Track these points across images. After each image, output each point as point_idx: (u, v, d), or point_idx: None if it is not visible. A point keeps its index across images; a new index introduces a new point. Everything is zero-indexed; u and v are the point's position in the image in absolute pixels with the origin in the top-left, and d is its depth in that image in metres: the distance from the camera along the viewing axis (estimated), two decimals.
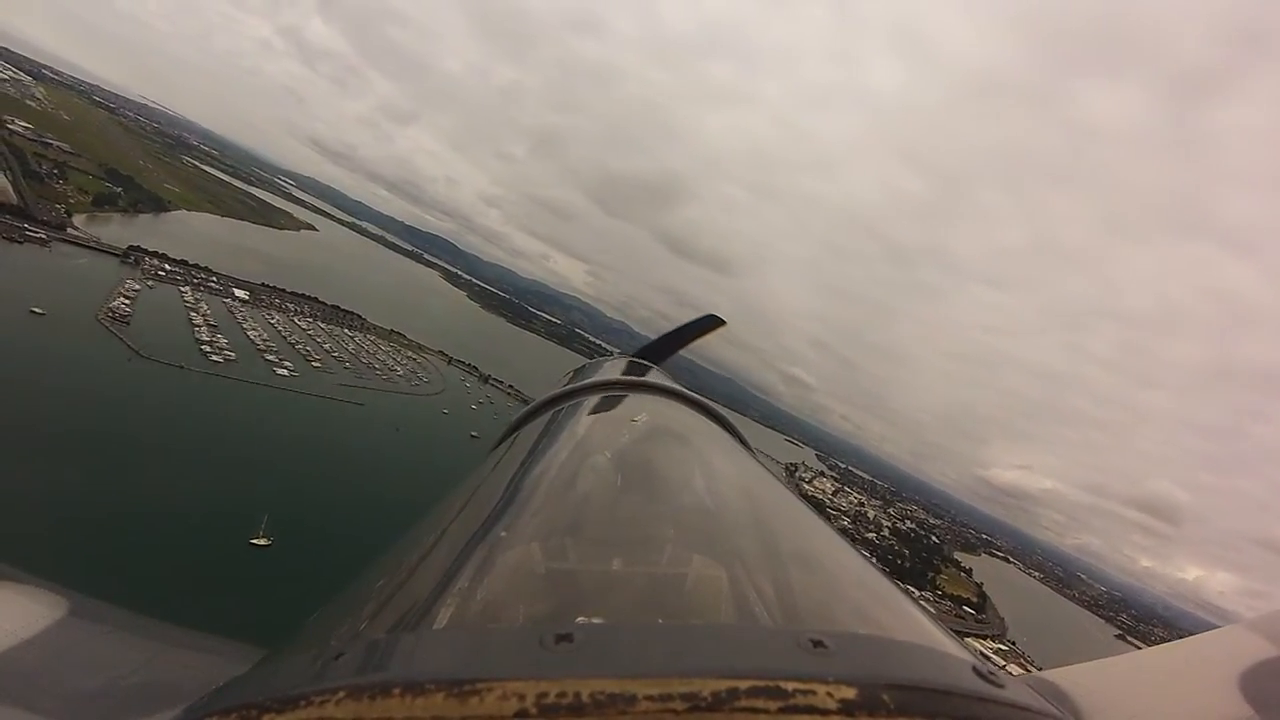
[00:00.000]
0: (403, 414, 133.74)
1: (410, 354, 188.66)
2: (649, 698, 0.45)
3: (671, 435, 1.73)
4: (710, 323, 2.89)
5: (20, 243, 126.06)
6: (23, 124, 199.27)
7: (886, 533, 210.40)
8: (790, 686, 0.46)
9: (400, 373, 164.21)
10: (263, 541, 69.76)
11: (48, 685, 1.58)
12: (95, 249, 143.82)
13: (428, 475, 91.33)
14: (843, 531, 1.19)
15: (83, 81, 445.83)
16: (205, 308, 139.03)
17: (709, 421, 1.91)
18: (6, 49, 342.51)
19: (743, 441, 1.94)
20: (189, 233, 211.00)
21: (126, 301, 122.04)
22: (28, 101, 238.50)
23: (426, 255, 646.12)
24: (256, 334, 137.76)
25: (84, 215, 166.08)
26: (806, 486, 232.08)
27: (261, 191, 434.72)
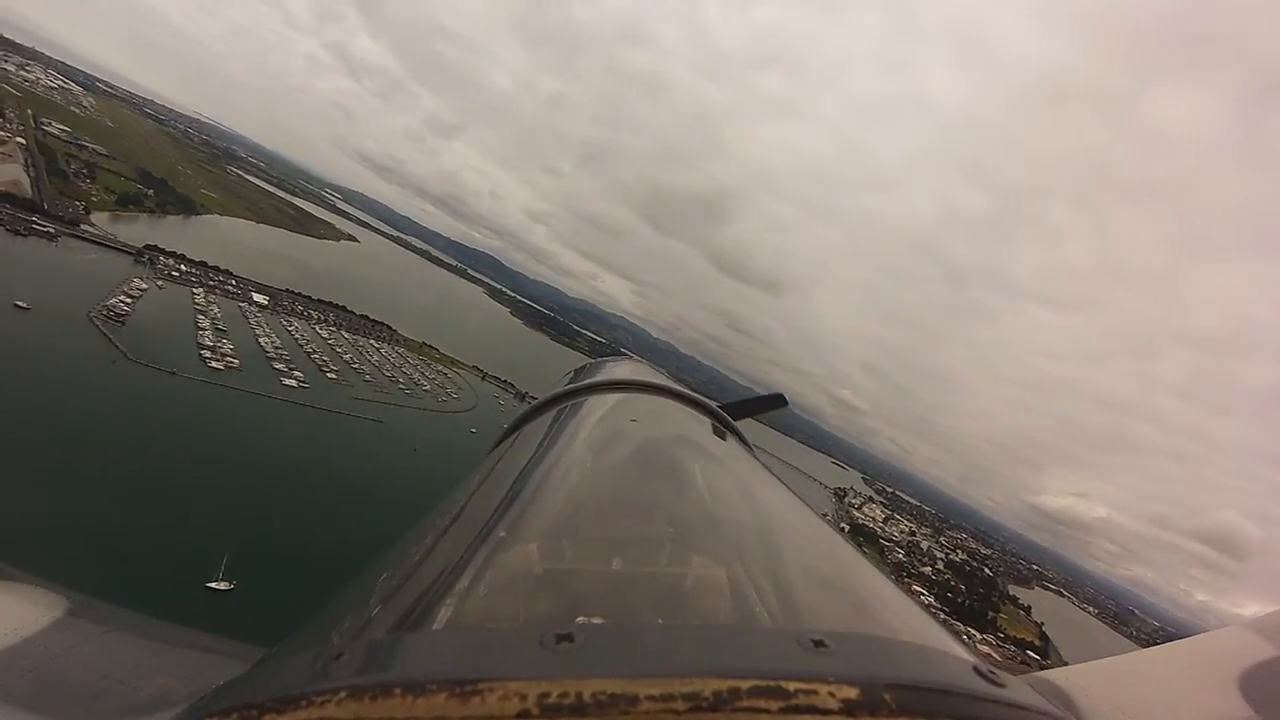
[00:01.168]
0: (424, 432, 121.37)
1: (441, 368, 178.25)
2: (650, 698, 0.46)
3: (671, 435, 1.76)
4: (777, 402, 3.11)
5: (25, 236, 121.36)
6: (59, 126, 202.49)
7: (941, 566, 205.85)
8: (792, 686, 0.47)
9: (427, 388, 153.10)
10: (222, 585, 60.72)
11: (48, 685, 1.61)
12: (109, 246, 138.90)
13: None
14: (846, 532, 1.26)
15: (136, 95, 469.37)
16: (216, 311, 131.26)
17: (709, 421, 1.93)
18: (63, 63, 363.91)
19: (743, 441, 1.98)
20: (217, 236, 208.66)
21: (127, 300, 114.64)
22: (72, 108, 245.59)
23: (471, 271, 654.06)
24: (269, 341, 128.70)
25: (106, 214, 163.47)
26: (856, 513, 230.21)
27: (305, 203, 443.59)
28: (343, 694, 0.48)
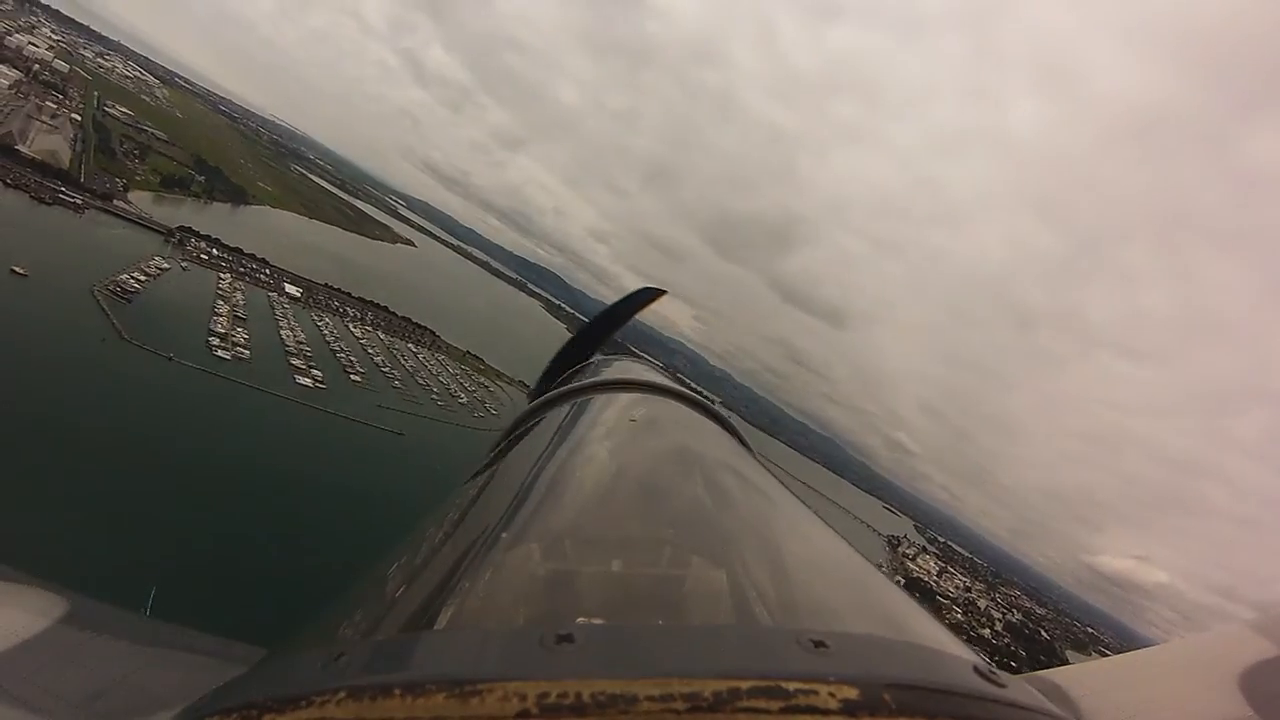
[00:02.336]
0: (451, 450, 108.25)
1: (483, 380, 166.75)
2: (650, 698, 0.47)
3: (671, 434, 1.79)
4: (650, 295, 3.02)
5: (49, 204, 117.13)
6: (122, 109, 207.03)
7: (1000, 628, 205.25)
8: (792, 686, 0.48)
9: (463, 400, 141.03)
10: None
11: (48, 685, 1.66)
12: (139, 223, 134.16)
13: None
14: (841, 531, 1.26)
15: (214, 93, 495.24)
16: (239, 298, 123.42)
17: (709, 421, 1.97)
18: (146, 58, 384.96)
19: (743, 441, 2.00)
20: (262, 225, 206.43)
21: (141, 278, 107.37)
22: (142, 96, 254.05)
23: (531, 285, 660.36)
24: (291, 334, 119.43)
25: (148, 194, 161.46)
26: (910, 565, 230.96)
27: (367, 206, 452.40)
28: (342, 694, 0.49)
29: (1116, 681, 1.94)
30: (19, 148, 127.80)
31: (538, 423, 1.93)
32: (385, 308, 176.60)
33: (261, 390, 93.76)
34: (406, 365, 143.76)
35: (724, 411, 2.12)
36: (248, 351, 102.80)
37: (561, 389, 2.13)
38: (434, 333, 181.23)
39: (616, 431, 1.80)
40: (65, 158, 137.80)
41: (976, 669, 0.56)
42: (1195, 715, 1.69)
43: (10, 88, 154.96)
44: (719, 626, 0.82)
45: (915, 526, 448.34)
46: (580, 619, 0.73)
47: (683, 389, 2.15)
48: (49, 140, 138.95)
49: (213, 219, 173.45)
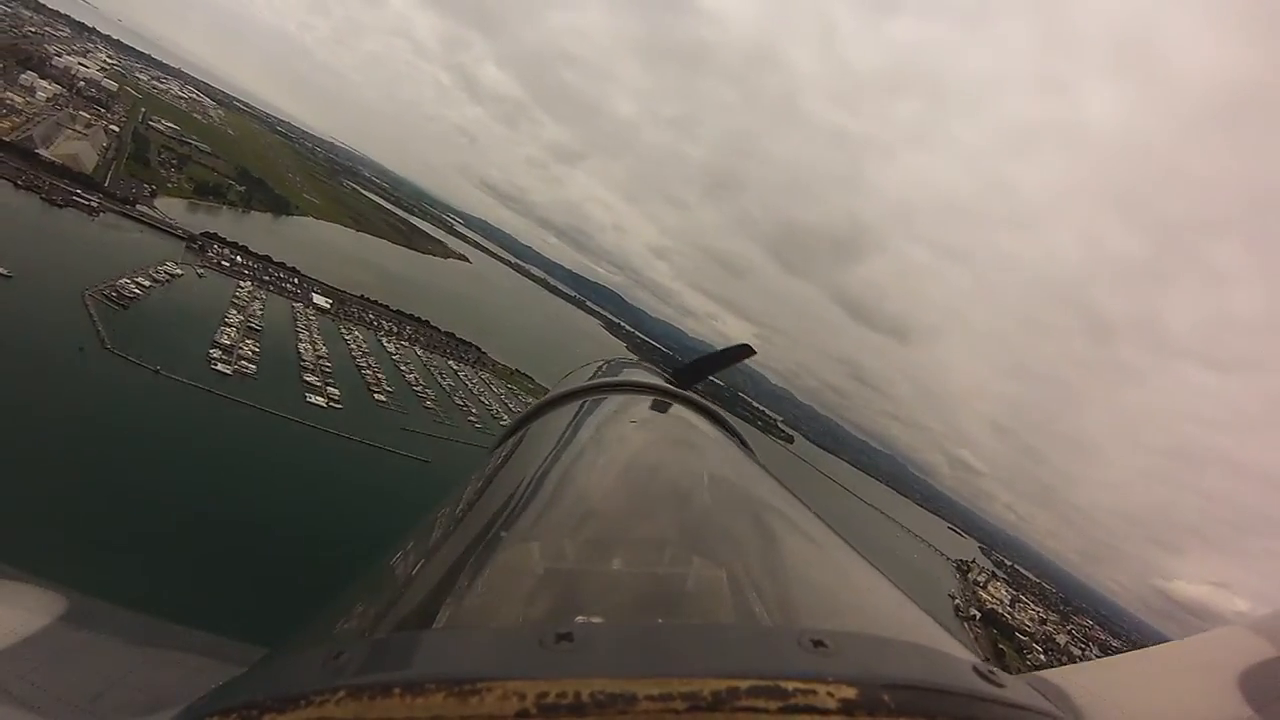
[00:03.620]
0: None
1: (532, 400, 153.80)
2: (649, 697, 0.48)
3: (671, 436, 1.86)
4: (743, 352, 3.10)
5: (61, 206, 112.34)
6: (168, 124, 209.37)
7: None
8: (790, 686, 0.50)
9: (505, 422, 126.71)
10: None
11: (48, 685, 1.72)
12: (159, 228, 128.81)
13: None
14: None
15: (271, 115, 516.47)
16: (257, 308, 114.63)
17: (708, 422, 2.04)
18: (206, 83, 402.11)
19: (742, 442, 2.07)
20: (301, 236, 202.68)
21: (145, 284, 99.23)
22: (194, 114, 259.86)
23: (590, 303, 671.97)
24: (310, 348, 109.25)
25: (181, 201, 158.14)
26: (982, 593, 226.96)
27: (422, 221, 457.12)
28: (342, 694, 0.50)
29: (1116, 681, 1.97)
30: (39, 151, 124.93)
31: (539, 424, 1.99)
32: (426, 322, 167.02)
33: (259, 409, 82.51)
34: (444, 384, 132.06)
35: (724, 413, 2.19)
36: (254, 366, 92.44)
37: (562, 390, 2.19)
38: (479, 349, 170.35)
39: (617, 432, 1.87)
40: (89, 163, 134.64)
41: (975, 669, 0.58)
42: (1195, 715, 1.72)
43: (48, 100, 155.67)
44: (718, 626, 0.84)
45: (980, 548, 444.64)
46: (580, 618, 0.75)
47: (683, 391, 2.20)
48: (72, 146, 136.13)
49: (248, 228, 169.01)
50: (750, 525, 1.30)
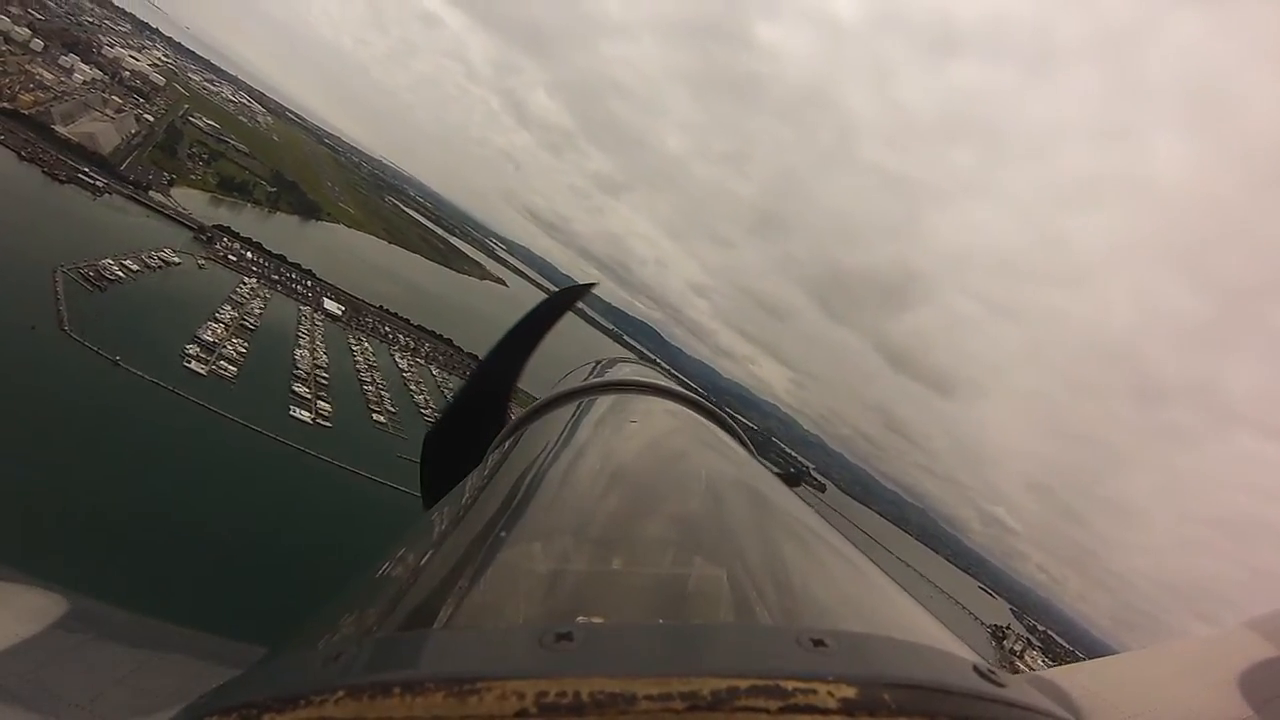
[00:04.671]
0: None
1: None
2: (649, 697, 0.49)
3: (671, 435, 1.88)
4: (581, 291, 3.09)
5: (63, 182, 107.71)
6: (208, 121, 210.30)
7: None
8: (790, 685, 0.50)
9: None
10: None
11: (48, 685, 1.77)
12: (167, 215, 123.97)
13: None
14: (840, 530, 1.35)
15: (322, 128, 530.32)
16: (256, 307, 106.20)
17: (709, 422, 2.07)
18: (261, 92, 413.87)
19: (742, 441, 2.11)
20: (326, 241, 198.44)
21: (133, 267, 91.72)
22: (240, 117, 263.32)
23: (626, 337, 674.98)
24: (308, 356, 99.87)
25: (202, 194, 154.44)
26: (1018, 661, 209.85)
27: (462, 243, 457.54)
28: (341, 693, 0.51)
29: (1116, 681, 2.01)
30: (55, 127, 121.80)
31: (538, 424, 2.01)
32: (448, 340, 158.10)
33: (221, 414, 72.66)
34: None
35: (725, 413, 2.22)
36: (234, 368, 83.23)
37: (562, 390, 2.20)
38: None
39: (617, 432, 1.90)
40: (107, 145, 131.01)
41: (976, 668, 0.59)
42: (1195, 715, 1.74)
43: (84, 83, 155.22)
44: (718, 626, 0.86)
45: (1012, 610, 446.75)
46: (579, 618, 0.76)
47: (683, 391, 2.22)
48: (92, 126, 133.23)
49: (269, 228, 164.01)
50: (750, 524, 1.32)
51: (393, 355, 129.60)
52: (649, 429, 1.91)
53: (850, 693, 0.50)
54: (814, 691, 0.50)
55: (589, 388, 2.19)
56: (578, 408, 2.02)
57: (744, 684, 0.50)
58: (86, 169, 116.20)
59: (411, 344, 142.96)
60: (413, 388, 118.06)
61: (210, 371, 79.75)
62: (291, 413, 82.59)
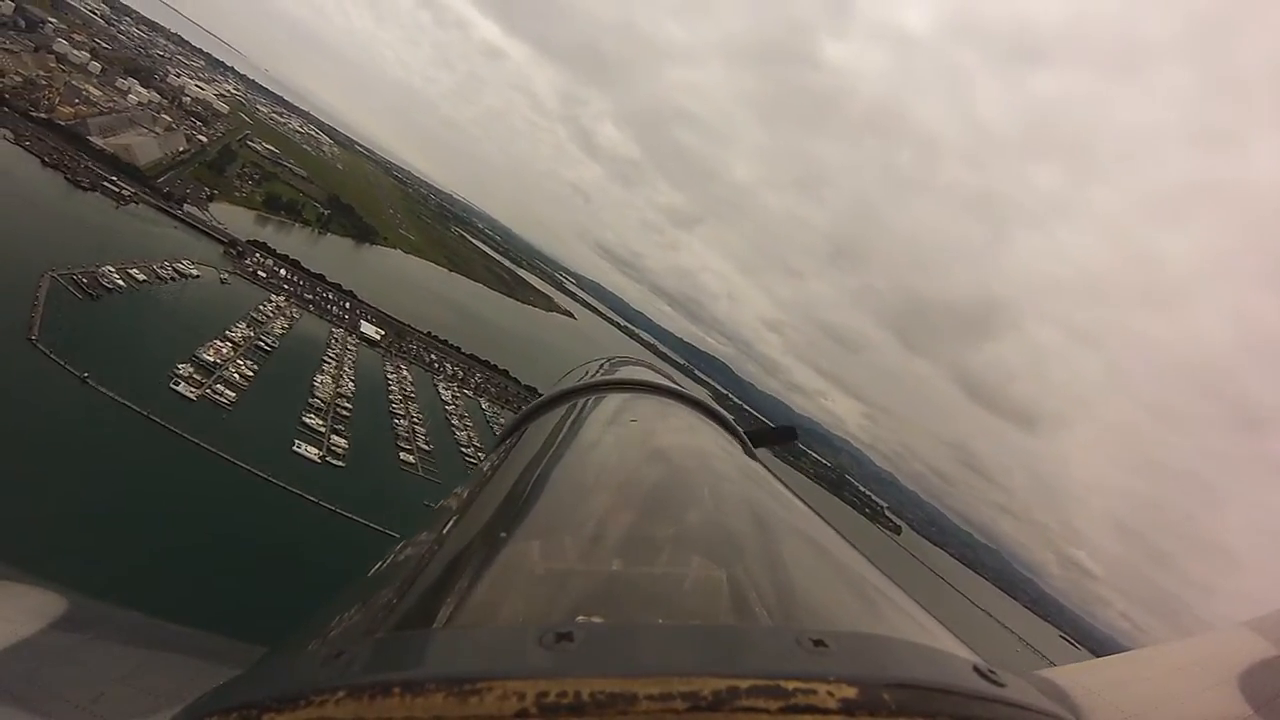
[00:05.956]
0: None
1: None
2: (649, 697, 0.50)
3: (672, 434, 1.94)
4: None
5: (86, 189, 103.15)
6: (267, 145, 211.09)
7: None
8: (791, 686, 0.52)
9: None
10: None
11: (48, 685, 1.83)
12: (199, 229, 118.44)
13: None
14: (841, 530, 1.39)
15: (391, 162, 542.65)
16: (278, 326, 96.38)
17: (708, 421, 2.15)
18: (331, 126, 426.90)
19: (742, 441, 2.20)
20: (378, 265, 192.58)
21: (138, 277, 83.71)
22: (305, 146, 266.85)
23: (698, 371, 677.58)
24: (330, 383, 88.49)
25: (245, 211, 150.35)
26: None
27: (531, 275, 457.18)
28: (341, 693, 0.53)
29: (1116, 681, 2.06)
30: (91, 138, 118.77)
31: (538, 423, 2.09)
32: (504, 371, 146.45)
33: (198, 445, 60.90)
34: None
35: (725, 413, 2.30)
36: (233, 394, 72.12)
37: (562, 389, 2.29)
38: None
39: (617, 432, 1.95)
40: (143, 157, 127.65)
41: (976, 668, 0.61)
42: (1195, 715, 1.78)
43: (139, 104, 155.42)
44: (718, 626, 0.88)
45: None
46: (580, 618, 0.78)
47: (682, 390, 2.30)
48: (130, 138, 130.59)
49: (316, 248, 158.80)
50: (750, 524, 1.34)
51: (436, 385, 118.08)
52: (649, 428, 1.95)
53: (850, 693, 0.52)
54: (814, 692, 0.52)
55: (589, 386, 2.25)
56: (578, 407, 2.08)
57: (744, 684, 0.52)
58: (114, 178, 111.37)
59: (460, 374, 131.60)
60: (455, 423, 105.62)
61: (202, 396, 68.75)
62: (295, 448, 70.37)
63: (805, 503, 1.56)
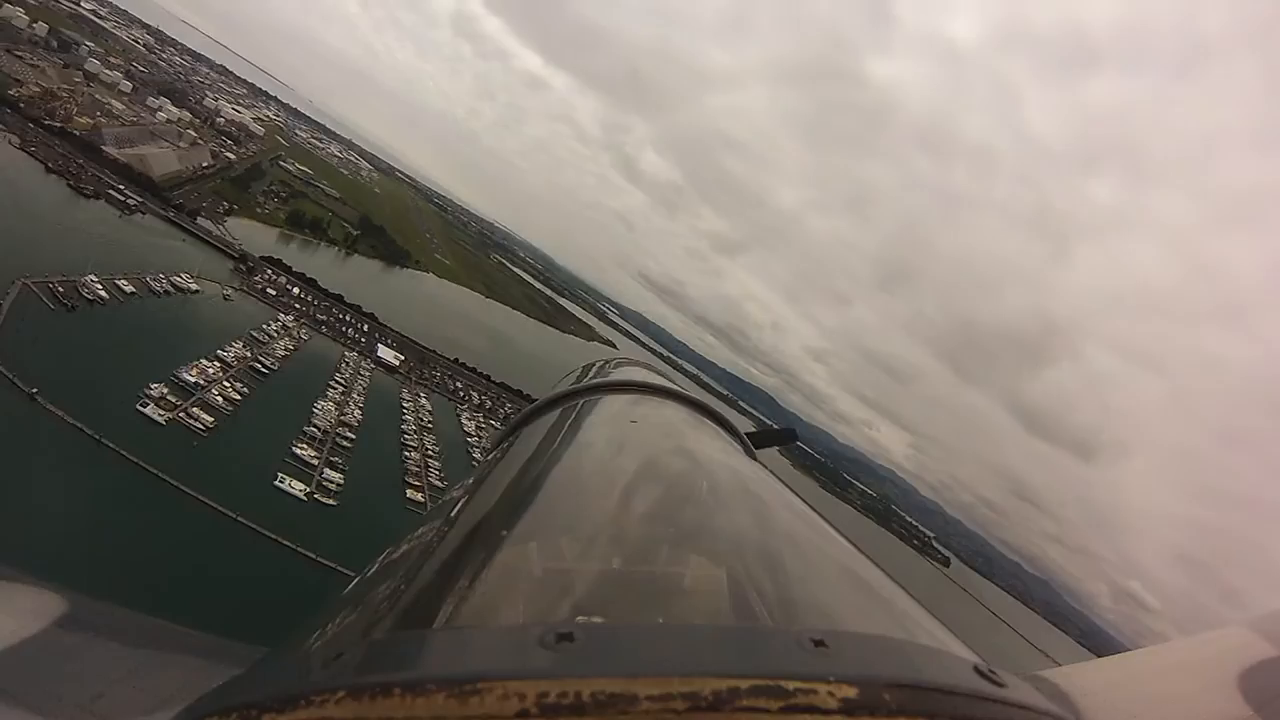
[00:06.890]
0: None
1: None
2: (650, 697, 0.52)
3: (671, 435, 1.97)
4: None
5: (89, 197, 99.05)
6: (300, 166, 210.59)
7: None
8: (791, 686, 0.53)
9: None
10: None
11: (48, 685, 1.87)
12: (210, 243, 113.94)
13: None
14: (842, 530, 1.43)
15: (431, 189, 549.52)
16: (280, 347, 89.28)
17: (708, 422, 2.20)
18: (374, 154, 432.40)
19: (742, 441, 2.25)
20: (407, 288, 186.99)
21: (126, 289, 77.58)
22: (342, 170, 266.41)
23: (742, 402, 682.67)
24: (333, 411, 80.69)
25: (267, 228, 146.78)
26: None
27: (571, 304, 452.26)
28: (342, 694, 0.54)
29: (1116, 681, 2.11)
30: (105, 148, 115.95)
31: (538, 424, 2.14)
32: (532, 399, 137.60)
33: (155, 474, 52.79)
34: None
35: (725, 413, 2.33)
36: (211, 419, 64.18)
37: (561, 390, 2.34)
38: None
39: (617, 432, 2.00)
40: (158, 168, 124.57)
41: (977, 669, 0.63)
42: (1195, 715, 1.82)
43: (167, 121, 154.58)
44: (719, 626, 0.91)
45: None
46: (580, 618, 0.81)
47: (681, 390, 2.35)
48: (146, 150, 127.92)
49: (340, 269, 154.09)
50: (750, 524, 1.36)
51: (459, 415, 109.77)
52: (648, 429, 1.98)
53: (851, 693, 0.53)
54: (815, 692, 0.53)
55: (588, 388, 2.31)
56: (578, 408, 2.13)
57: (745, 684, 0.53)
58: (121, 186, 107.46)
59: (488, 403, 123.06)
60: (477, 456, 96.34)
61: (172, 420, 60.87)
62: (277, 482, 61.93)
63: (806, 503, 1.58)
